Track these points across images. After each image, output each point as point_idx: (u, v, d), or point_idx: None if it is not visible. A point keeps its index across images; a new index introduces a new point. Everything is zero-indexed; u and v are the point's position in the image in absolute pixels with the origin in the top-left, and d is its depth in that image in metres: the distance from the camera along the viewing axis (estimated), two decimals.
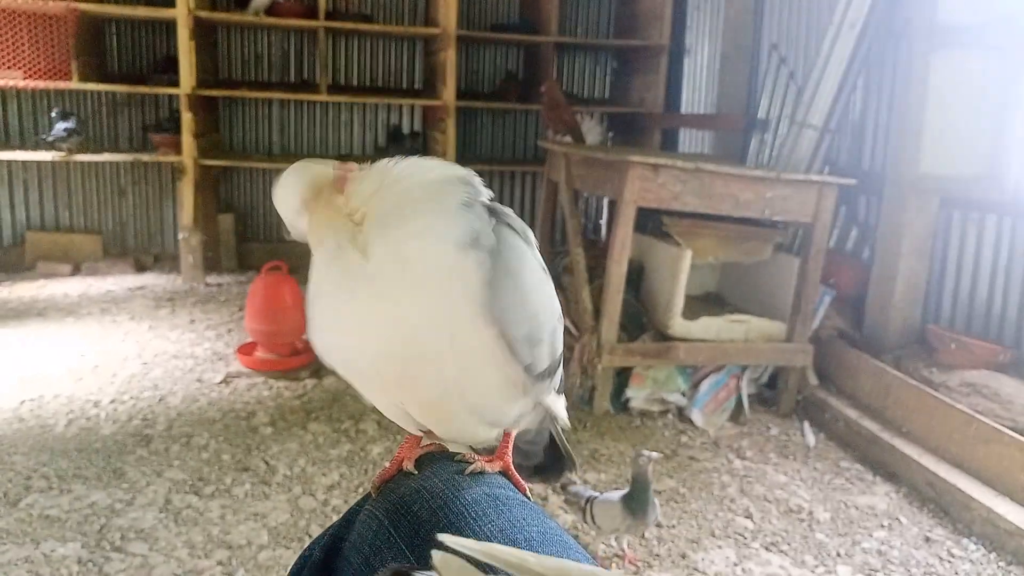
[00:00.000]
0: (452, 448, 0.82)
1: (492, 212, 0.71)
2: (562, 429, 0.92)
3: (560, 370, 0.81)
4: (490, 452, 0.83)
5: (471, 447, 0.90)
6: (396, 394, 0.73)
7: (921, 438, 2.65)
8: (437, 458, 0.78)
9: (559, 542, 0.68)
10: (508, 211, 0.74)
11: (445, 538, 0.45)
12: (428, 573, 0.49)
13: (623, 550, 2.06)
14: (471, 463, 0.77)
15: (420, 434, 0.81)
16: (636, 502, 1.95)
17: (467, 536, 0.65)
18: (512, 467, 0.80)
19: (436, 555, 0.45)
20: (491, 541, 0.65)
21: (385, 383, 0.72)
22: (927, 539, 2.24)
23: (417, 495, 0.72)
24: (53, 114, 4.56)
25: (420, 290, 0.66)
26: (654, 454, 1.95)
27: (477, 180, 0.74)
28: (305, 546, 0.80)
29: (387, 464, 0.79)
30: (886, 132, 3.39)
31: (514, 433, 0.82)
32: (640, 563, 2.05)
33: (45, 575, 1.85)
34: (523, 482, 0.79)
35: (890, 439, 2.68)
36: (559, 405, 0.86)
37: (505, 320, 0.67)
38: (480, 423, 0.77)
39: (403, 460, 0.77)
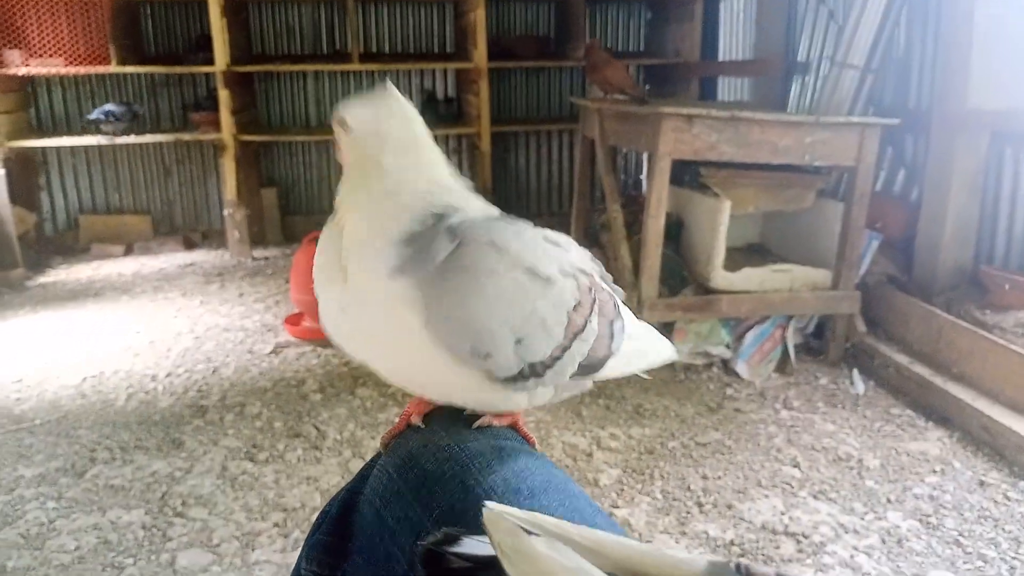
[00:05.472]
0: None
1: (451, 232, 0.71)
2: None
3: (567, 365, 0.76)
4: None
5: None
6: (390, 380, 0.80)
7: (975, 381, 2.59)
8: (446, 413, 0.80)
9: (562, 491, 0.69)
10: (494, 213, 0.77)
11: (491, 505, 0.46)
12: (478, 536, 0.50)
13: None
14: (479, 417, 0.78)
15: None
16: None
17: (471, 486, 0.66)
18: (520, 420, 0.81)
19: (487, 511, 0.46)
20: (495, 491, 0.66)
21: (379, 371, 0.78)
22: (981, 483, 2.20)
23: (424, 449, 0.74)
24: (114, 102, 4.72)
25: (371, 315, 0.72)
26: None
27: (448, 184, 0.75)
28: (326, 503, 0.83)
29: (396, 420, 0.81)
30: (932, 68, 3.25)
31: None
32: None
33: (113, 540, 1.95)
34: (531, 435, 0.80)
35: (942, 384, 2.63)
36: (582, 384, 0.83)
37: (444, 339, 0.69)
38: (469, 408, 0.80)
39: (411, 416, 0.79)
